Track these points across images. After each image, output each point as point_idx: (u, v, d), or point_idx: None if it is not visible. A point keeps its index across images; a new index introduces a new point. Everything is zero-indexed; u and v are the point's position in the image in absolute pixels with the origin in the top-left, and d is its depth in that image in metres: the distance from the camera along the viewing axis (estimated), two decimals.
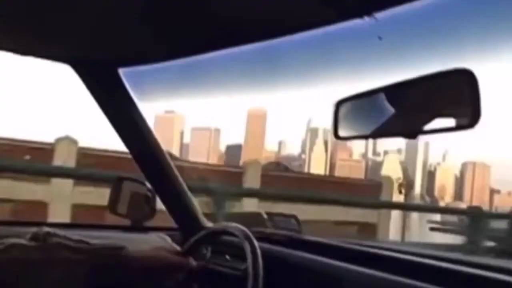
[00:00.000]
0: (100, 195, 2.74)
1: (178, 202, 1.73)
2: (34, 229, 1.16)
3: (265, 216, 1.77)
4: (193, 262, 1.39)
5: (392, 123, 1.05)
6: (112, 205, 1.81)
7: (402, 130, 1.05)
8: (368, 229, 13.17)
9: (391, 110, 1.05)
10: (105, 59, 1.43)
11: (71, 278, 1.13)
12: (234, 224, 1.38)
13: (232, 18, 1.12)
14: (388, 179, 16.66)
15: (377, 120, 1.07)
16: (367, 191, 14.20)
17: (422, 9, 0.92)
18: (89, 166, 9.20)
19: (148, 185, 1.72)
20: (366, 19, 0.94)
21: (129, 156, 1.62)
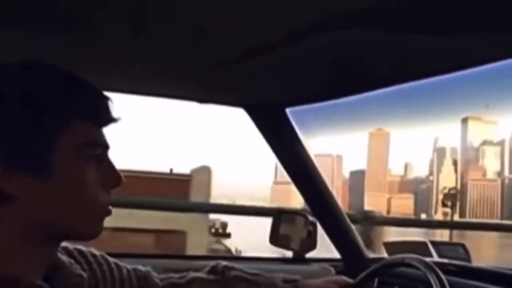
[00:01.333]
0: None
1: (341, 233, 1.77)
2: (211, 263, 1.19)
3: (429, 244, 1.74)
4: None
5: None
6: (273, 237, 1.88)
7: None
8: (172, 239, 10.30)
9: None
10: (275, 101, 1.54)
11: None
12: (413, 255, 1.38)
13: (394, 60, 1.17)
14: None
15: None
16: None
17: None
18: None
19: (309, 217, 1.78)
20: None
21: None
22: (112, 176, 0.80)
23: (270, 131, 1.63)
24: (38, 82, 0.75)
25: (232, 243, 16.02)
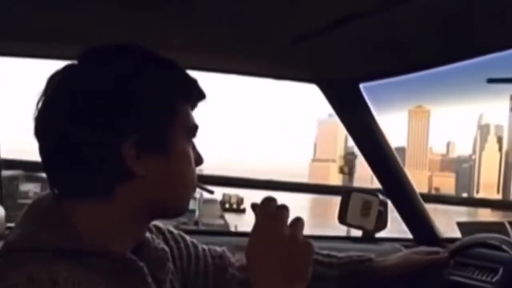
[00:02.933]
0: None
1: (414, 213, 1.72)
2: None
3: (507, 225, 1.66)
4: (437, 274, 1.36)
5: None
6: (342, 216, 1.85)
7: None
8: None
9: None
10: (348, 76, 1.49)
11: None
12: (497, 235, 1.33)
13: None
14: None
15: None
16: None
17: None
18: None
19: (380, 196, 1.73)
20: None
21: None
22: (199, 155, 0.84)
23: (343, 107, 1.60)
24: (153, 67, 0.78)
25: (244, 220, 15.78)
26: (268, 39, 1.22)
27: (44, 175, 0.78)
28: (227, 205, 16.82)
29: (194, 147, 0.83)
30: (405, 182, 1.68)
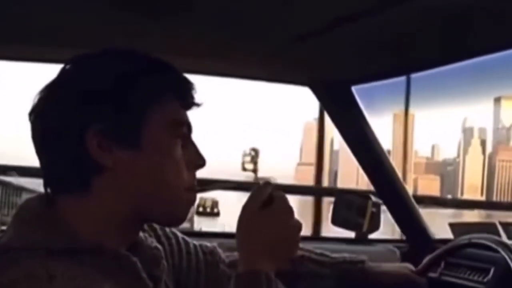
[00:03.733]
0: None
1: (406, 214, 1.73)
2: None
3: (498, 225, 1.68)
4: (431, 275, 1.37)
5: None
6: (335, 218, 1.86)
7: None
8: None
9: None
10: (341, 79, 1.50)
11: None
12: (487, 235, 1.34)
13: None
14: None
15: None
16: None
17: None
18: None
19: (373, 198, 1.74)
20: None
21: None
22: (195, 157, 0.81)
23: (335, 109, 1.60)
24: (130, 64, 0.78)
25: (217, 223, 15.70)
26: (260, 42, 1.23)
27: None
28: (200, 209, 16.78)
29: (191, 147, 0.81)
30: (398, 184, 1.69)
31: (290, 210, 0.82)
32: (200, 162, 0.81)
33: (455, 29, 1.13)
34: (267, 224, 0.80)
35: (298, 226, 0.83)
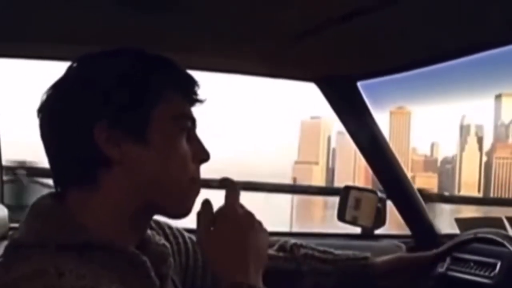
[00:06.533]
0: None
1: (412, 209, 1.73)
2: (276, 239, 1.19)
3: (505, 220, 1.68)
4: (438, 270, 1.37)
5: None
6: (341, 213, 1.86)
7: None
8: None
9: None
10: (346, 74, 1.50)
11: None
12: (494, 230, 1.34)
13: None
14: None
15: None
16: None
17: None
18: None
19: (379, 193, 1.74)
20: None
21: None
22: (200, 151, 0.82)
23: (341, 105, 1.60)
24: (136, 61, 0.80)
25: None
26: (266, 38, 1.22)
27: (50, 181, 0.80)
28: None
29: (195, 141, 0.82)
30: (404, 179, 1.69)
31: (241, 215, 0.80)
32: (204, 156, 0.83)
33: (461, 24, 1.13)
34: (226, 238, 0.78)
35: (256, 225, 0.81)
